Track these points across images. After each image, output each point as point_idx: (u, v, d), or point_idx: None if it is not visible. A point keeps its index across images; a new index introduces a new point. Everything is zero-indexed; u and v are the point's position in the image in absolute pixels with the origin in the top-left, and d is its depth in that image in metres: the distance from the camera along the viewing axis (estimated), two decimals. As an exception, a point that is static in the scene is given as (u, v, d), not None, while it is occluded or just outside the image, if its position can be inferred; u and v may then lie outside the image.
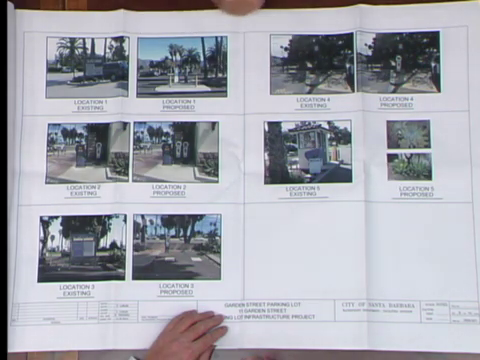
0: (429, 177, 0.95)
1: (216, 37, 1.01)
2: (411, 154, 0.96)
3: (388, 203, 0.95)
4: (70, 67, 1.02)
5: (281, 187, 0.97)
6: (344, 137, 0.97)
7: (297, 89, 0.99)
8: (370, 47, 0.99)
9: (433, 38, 0.98)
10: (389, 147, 0.97)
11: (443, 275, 0.93)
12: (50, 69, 1.01)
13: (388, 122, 0.97)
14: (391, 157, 0.96)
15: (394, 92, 0.98)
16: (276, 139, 0.99)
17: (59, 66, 1.02)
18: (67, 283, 0.96)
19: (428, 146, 0.96)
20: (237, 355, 0.93)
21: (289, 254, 0.95)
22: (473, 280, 0.93)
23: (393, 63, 0.99)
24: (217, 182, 0.98)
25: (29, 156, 0.99)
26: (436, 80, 0.98)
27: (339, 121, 0.98)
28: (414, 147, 0.96)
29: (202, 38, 1.01)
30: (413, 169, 0.96)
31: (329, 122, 0.98)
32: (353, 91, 0.98)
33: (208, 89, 1.01)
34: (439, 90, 0.98)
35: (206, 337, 0.91)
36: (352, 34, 0.99)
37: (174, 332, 0.91)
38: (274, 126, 0.99)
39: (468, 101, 0.96)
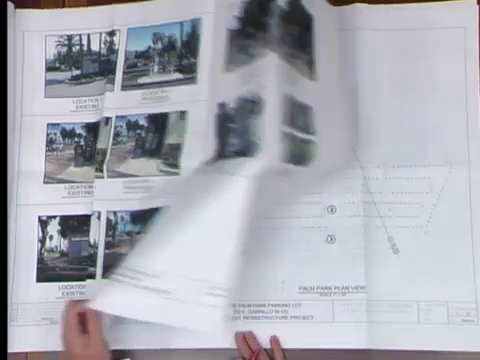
0: None
1: (192, 20, 0.95)
2: None
3: None
4: (68, 65, 1.00)
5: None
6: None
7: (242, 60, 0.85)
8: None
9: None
10: None
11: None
12: (49, 68, 1.00)
13: None
14: None
15: None
16: (222, 121, 0.86)
17: (57, 65, 1.01)
18: (65, 283, 0.95)
19: None
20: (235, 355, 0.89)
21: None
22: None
23: None
24: (178, 174, 0.92)
25: (28, 156, 0.98)
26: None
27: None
28: None
29: (181, 23, 0.96)
30: None
31: None
32: None
33: (181, 76, 0.95)
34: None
35: (77, 301, 0.84)
36: None
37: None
38: (222, 107, 0.86)
39: None
